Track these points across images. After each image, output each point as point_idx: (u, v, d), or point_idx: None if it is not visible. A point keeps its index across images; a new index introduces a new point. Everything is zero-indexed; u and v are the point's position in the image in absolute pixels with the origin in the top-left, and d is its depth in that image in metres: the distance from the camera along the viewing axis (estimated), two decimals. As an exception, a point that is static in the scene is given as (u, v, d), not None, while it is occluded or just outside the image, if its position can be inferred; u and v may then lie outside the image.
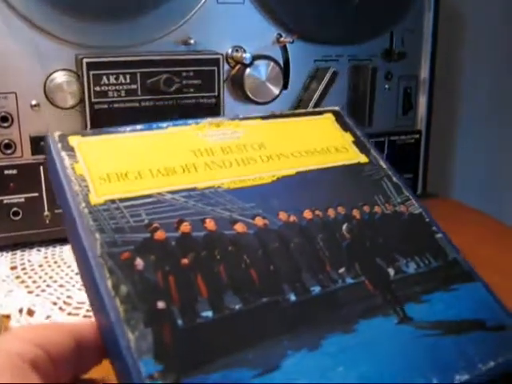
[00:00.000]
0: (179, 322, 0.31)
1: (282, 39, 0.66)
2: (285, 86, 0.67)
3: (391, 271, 0.39)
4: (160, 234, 0.35)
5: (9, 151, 0.59)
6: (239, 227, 0.38)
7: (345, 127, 0.50)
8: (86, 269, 0.33)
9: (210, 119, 0.45)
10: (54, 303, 0.53)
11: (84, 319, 0.50)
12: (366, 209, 0.44)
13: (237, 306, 0.33)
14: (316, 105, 0.67)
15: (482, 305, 0.39)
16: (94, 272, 0.32)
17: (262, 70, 0.64)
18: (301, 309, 0.35)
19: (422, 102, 0.77)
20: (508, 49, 0.96)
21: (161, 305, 0.31)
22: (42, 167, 0.59)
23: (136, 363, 0.28)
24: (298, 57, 0.68)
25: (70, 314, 0.51)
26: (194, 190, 0.39)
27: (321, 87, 0.67)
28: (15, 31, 0.56)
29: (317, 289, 0.36)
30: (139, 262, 0.33)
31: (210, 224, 0.37)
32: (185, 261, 0.34)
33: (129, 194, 0.37)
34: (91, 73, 0.56)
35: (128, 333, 0.29)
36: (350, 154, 0.48)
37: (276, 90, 0.65)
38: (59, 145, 0.38)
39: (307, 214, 0.41)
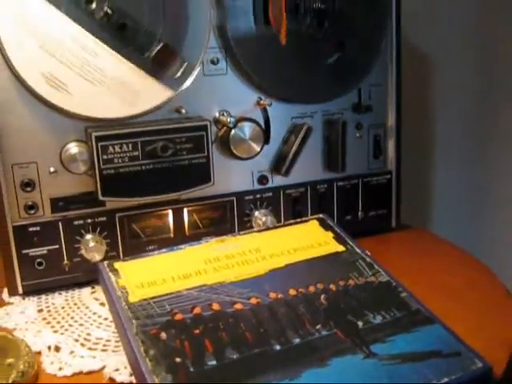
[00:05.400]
0: (191, 369, 0.46)
1: (261, 102, 0.79)
2: (266, 142, 0.79)
3: (360, 323, 0.51)
4: (178, 316, 0.52)
5: (32, 211, 0.72)
6: (238, 306, 0.53)
7: (326, 228, 0.64)
8: (127, 342, 0.49)
9: (216, 238, 0.61)
10: (76, 340, 0.62)
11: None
12: (341, 283, 0.56)
13: (235, 356, 0.48)
14: (295, 156, 0.80)
15: (440, 339, 0.49)
16: (132, 344, 0.48)
17: (246, 130, 0.76)
18: (284, 354, 0.48)
19: (391, 145, 0.89)
20: (473, 84, 1.05)
21: (178, 360, 0.47)
22: (60, 223, 0.72)
23: None
24: (277, 115, 0.81)
25: (90, 348, 0.60)
26: (204, 285, 0.55)
27: (297, 141, 0.80)
28: (33, 110, 0.69)
29: (297, 340, 0.49)
30: (163, 335, 0.50)
31: (215, 306, 0.53)
32: (196, 331, 0.50)
33: (156, 293, 0.54)
34: (99, 144, 0.69)
35: (154, 379, 0.45)
36: (330, 246, 0.61)
37: (258, 147, 0.78)
38: (107, 269, 0.56)
39: (292, 292, 0.55)
